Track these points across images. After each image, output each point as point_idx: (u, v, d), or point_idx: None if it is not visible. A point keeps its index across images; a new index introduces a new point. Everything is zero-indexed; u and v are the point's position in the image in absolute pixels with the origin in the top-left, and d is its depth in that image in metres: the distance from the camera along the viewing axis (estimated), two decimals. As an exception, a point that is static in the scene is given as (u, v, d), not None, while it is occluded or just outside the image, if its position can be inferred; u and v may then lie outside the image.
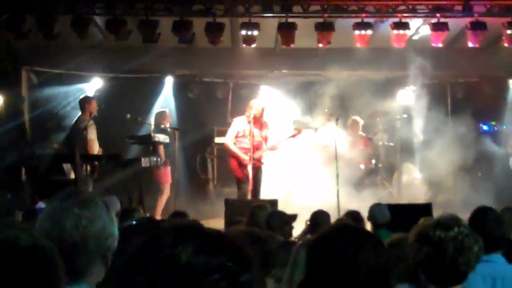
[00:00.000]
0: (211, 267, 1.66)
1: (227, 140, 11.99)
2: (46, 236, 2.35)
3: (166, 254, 1.68)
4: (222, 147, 14.07)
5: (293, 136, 12.27)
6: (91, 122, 11.81)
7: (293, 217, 7.39)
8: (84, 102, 12.02)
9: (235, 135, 11.89)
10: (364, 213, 8.18)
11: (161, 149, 12.23)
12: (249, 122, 11.71)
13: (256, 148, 11.81)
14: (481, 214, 4.83)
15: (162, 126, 12.69)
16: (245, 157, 11.68)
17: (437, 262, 3.17)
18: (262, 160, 12.05)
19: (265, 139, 11.97)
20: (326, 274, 2.46)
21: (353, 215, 7.50)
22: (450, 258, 3.14)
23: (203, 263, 1.66)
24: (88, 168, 11.56)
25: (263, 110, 11.91)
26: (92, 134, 11.79)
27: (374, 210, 7.80)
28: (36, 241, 1.83)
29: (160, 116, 12.95)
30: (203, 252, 1.68)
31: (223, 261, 1.68)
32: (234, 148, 11.82)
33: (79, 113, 12.02)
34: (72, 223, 2.41)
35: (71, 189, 2.57)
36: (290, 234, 7.20)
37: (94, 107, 11.97)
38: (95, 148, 11.89)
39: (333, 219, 10.04)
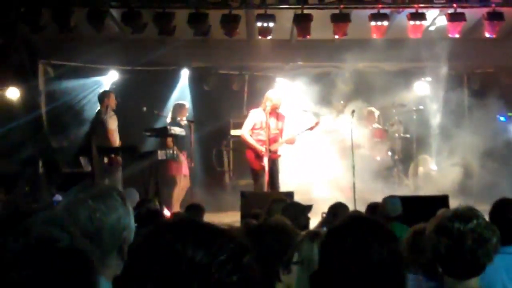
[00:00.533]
0: (214, 259, 1.67)
1: (244, 132, 11.94)
2: (62, 227, 2.37)
3: (168, 252, 1.69)
4: (238, 140, 14.07)
5: (311, 128, 12.21)
6: (112, 113, 11.92)
7: (309, 208, 7.36)
8: (103, 97, 12.15)
9: (252, 127, 11.83)
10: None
11: (169, 141, 12.22)
12: (265, 114, 11.67)
13: (273, 140, 11.75)
14: (501, 206, 4.82)
15: (178, 118, 12.70)
16: (261, 149, 11.64)
17: (456, 255, 3.15)
18: (279, 153, 12.01)
19: (281, 131, 11.91)
20: (339, 265, 2.46)
21: (373, 208, 7.47)
22: (469, 250, 3.12)
23: (206, 256, 1.66)
24: (106, 160, 11.67)
25: (279, 101, 11.85)
26: (113, 125, 11.89)
27: (386, 203, 7.76)
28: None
29: (179, 108, 12.96)
30: (204, 245, 1.68)
31: (225, 248, 1.69)
32: (251, 140, 11.77)
33: (98, 107, 12.14)
34: (86, 215, 2.42)
35: (87, 181, 2.58)
36: (307, 226, 7.17)
37: (112, 100, 12.09)
38: (116, 139, 11.98)
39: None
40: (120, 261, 2.53)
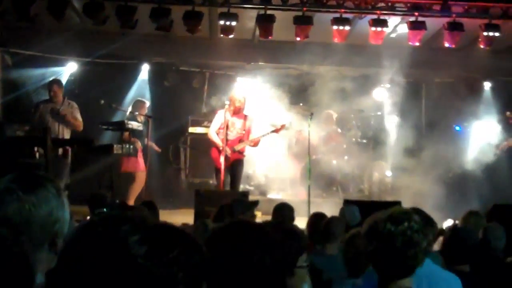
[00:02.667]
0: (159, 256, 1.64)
1: (210, 130, 11.91)
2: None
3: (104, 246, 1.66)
4: (196, 137, 14.07)
5: (277, 131, 12.19)
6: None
7: (255, 203, 7.39)
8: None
9: (219, 127, 11.82)
10: (335, 211, 8.21)
11: (126, 135, 12.12)
12: (226, 113, 11.67)
13: (238, 140, 11.76)
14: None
15: (137, 113, 12.61)
16: (221, 145, 11.61)
17: (385, 255, 3.21)
18: (243, 153, 12.01)
19: (248, 132, 11.90)
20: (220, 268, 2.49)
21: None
22: (398, 251, 3.18)
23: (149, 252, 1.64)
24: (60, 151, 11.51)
25: (244, 101, 11.85)
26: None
27: (345, 211, 7.81)
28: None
29: (139, 104, 12.87)
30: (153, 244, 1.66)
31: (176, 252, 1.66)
32: (216, 138, 11.73)
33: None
34: (15, 206, 2.36)
35: (21, 171, 2.51)
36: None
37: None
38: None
39: (304, 213, 10.16)
40: (53, 255, 2.47)
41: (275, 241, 2.60)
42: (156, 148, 13.21)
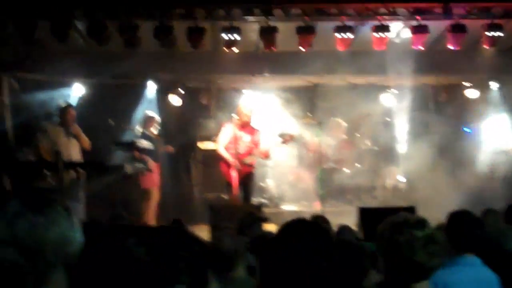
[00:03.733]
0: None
1: (219, 145, 11.99)
2: (1, 241, 2.32)
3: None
4: (206, 153, 14.08)
5: (285, 141, 12.22)
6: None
7: (264, 219, 7.41)
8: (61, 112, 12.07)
9: (228, 141, 11.88)
10: (348, 220, 8.20)
11: (137, 154, 12.16)
12: (238, 127, 11.75)
13: (247, 154, 11.81)
14: (456, 218, 4.90)
15: (146, 131, 12.67)
16: (234, 160, 11.67)
17: (395, 261, 3.22)
18: (252, 165, 12.05)
19: (257, 145, 11.94)
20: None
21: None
22: (408, 256, 3.18)
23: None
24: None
25: (251, 114, 11.92)
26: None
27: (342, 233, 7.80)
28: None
29: (147, 119, 12.92)
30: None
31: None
32: (224, 153, 11.82)
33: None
34: (26, 229, 2.36)
35: (31, 193, 2.52)
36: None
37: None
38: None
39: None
40: (65, 277, 2.47)
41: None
42: (170, 149, 13.15)
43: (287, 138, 12.20)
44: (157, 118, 13.17)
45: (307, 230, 2.68)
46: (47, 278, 2.41)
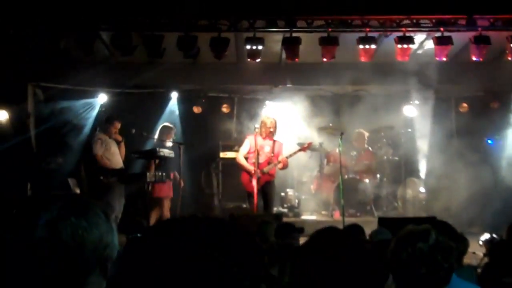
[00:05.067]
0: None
1: (239, 155, 12.10)
2: (44, 245, 2.37)
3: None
4: (227, 162, 14.14)
5: (303, 149, 12.30)
6: (104, 139, 12.08)
7: (300, 230, 7.45)
8: (107, 121, 12.40)
9: (247, 152, 11.98)
10: (371, 228, 8.17)
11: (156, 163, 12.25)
12: (262, 137, 11.84)
13: (267, 163, 11.87)
14: None
15: (164, 140, 12.75)
16: (252, 169, 11.74)
17: (409, 274, 3.22)
18: (274, 175, 12.11)
19: (277, 155, 12.00)
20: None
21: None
22: (421, 269, 3.19)
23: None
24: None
25: (275, 123, 12.00)
26: (99, 150, 12.00)
27: (376, 235, 7.78)
28: None
29: (165, 130, 12.99)
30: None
31: None
32: (244, 162, 11.92)
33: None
34: (69, 232, 2.41)
35: (70, 197, 2.58)
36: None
37: (113, 129, 12.33)
38: (106, 163, 12.05)
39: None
40: (102, 279, 2.52)
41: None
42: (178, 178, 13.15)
43: (305, 147, 12.28)
44: (174, 128, 13.24)
45: (341, 240, 2.69)
46: (85, 280, 2.47)
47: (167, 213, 12.68)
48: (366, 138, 14.58)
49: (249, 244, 1.89)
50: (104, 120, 12.71)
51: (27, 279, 1.79)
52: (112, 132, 12.34)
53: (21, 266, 1.78)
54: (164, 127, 13.11)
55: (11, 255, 1.81)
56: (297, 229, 7.43)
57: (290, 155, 12.11)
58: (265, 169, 11.81)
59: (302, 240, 7.73)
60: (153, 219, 12.35)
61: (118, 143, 12.46)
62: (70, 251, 2.40)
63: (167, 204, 12.74)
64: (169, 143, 12.73)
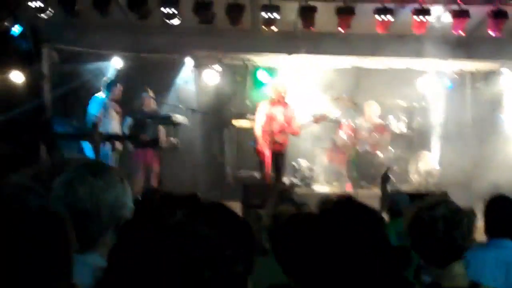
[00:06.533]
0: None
1: (256, 125, 12.07)
2: (60, 203, 2.41)
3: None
4: (240, 130, 14.14)
5: (316, 120, 12.29)
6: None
7: (303, 205, 7.45)
8: (109, 86, 12.39)
9: (264, 121, 11.98)
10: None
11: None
12: (272, 104, 11.81)
13: (280, 131, 11.86)
14: (494, 202, 4.91)
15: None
16: (262, 142, 11.76)
17: (431, 241, 3.26)
18: (285, 145, 12.13)
19: (289, 122, 12.01)
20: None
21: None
22: (442, 234, 3.22)
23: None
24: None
25: (285, 92, 11.98)
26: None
27: (397, 198, 7.76)
28: (44, 204, 1.89)
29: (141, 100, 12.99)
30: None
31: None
32: (259, 133, 11.91)
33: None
34: (86, 191, 2.45)
35: (87, 159, 2.62)
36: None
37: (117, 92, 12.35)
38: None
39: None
40: (115, 239, 2.56)
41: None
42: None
43: (318, 118, 12.26)
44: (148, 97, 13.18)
45: (360, 214, 2.70)
46: (101, 240, 2.51)
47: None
48: (378, 110, 14.50)
49: (242, 230, 1.91)
50: (108, 83, 12.67)
51: (43, 240, 1.82)
52: (115, 94, 12.39)
53: (37, 226, 1.80)
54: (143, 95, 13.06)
55: (27, 216, 1.83)
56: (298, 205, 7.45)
57: (302, 125, 12.11)
58: (277, 139, 11.81)
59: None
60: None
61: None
62: (86, 210, 2.44)
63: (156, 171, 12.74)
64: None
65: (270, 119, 11.77)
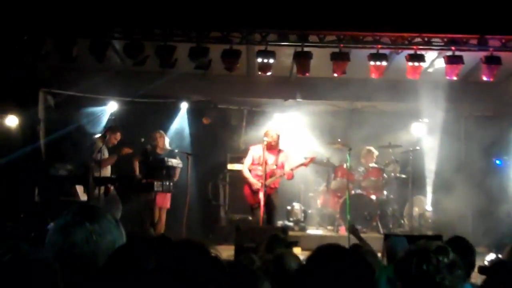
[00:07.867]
0: None
1: (244, 167, 12.18)
2: (57, 250, 2.40)
3: None
4: (235, 174, 14.16)
5: (305, 164, 12.32)
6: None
7: (294, 243, 7.44)
8: (108, 130, 12.46)
9: (251, 163, 12.06)
10: (376, 245, 8.15)
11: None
12: (265, 149, 11.85)
13: (270, 175, 11.90)
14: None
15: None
16: (256, 183, 11.79)
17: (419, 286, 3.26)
18: (277, 186, 12.15)
19: (281, 166, 12.06)
20: None
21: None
22: (430, 280, 3.22)
23: None
24: (101, 190, 11.75)
25: (278, 137, 12.07)
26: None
27: (395, 243, 7.71)
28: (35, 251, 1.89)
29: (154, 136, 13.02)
30: None
31: None
32: (248, 175, 12.00)
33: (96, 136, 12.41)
34: (83, 237, 2.45)
35: (82, 204, 2.63)
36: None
37: (115, 138, 12.42)
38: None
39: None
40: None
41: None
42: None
43: (307, 161, 12.29)
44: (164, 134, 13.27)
45: (345, 261, 2.70)
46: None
47: (163, 224, 12.70)
48: (375, 157, 14.56)
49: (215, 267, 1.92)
50: (108, 128, 12.79)
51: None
52: (111, 141, 12.45)
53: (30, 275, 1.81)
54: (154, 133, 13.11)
55: (20, 265, 1.84)
56: (289, 242, 7.41)
57: (293, 169, 12.15)
58: (267, 182, 11.83)
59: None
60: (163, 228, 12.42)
61: (110, 152, 12.61)
62: (83, 255, 2.44)
63: (164, 215, 12.74)
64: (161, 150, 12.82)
65: (265, 163, 11.79)
